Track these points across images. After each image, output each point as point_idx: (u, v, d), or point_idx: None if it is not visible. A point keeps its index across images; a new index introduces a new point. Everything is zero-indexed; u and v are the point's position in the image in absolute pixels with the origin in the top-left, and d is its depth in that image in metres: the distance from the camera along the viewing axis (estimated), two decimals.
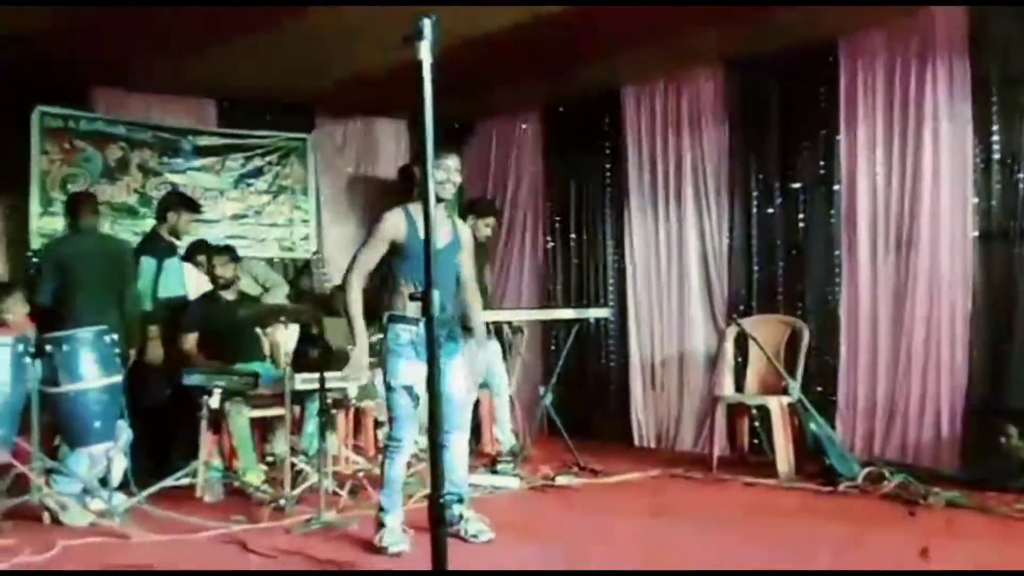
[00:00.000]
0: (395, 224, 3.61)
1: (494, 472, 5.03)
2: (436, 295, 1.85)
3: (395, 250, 3.62)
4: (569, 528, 4.05)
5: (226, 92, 6.60)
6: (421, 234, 3.33)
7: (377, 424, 5.31)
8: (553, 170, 7.05)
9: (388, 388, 3.59)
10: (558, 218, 6.97)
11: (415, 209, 3.60)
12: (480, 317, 3.94)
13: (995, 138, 4.95)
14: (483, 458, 5.43)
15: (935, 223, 5.10)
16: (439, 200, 3.58)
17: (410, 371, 3.51)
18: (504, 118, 7.29)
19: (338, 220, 7.27)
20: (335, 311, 6.33)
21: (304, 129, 7.11)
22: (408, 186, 4.46)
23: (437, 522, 1.79)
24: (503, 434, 5.66)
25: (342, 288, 3.75)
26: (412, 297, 3.25)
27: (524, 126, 7.20)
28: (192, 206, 5.58)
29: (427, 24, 1.83)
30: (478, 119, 7.43)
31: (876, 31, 5.29)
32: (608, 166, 6.68)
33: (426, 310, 1.83)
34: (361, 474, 4.68)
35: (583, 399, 5.67)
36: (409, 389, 3.53)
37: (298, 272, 6.81)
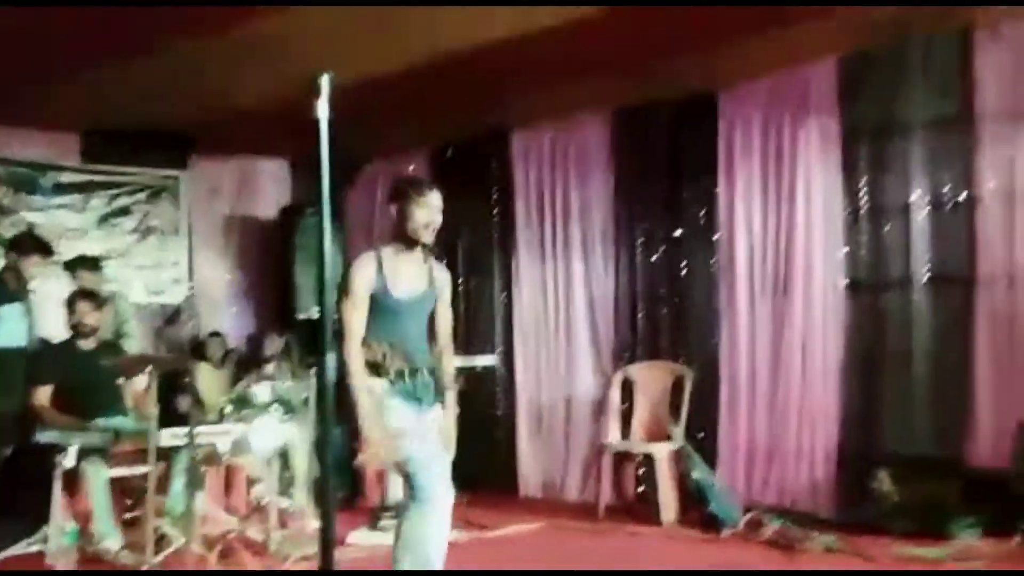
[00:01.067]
0: (367, 275, 3.08)
1: (376, 528, 4.83)
2: (331, 359, 1.70)
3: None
4: None
5: (91, 124, 6.21)
6: (391, 285, 3.07)
7: (250, 482, 5.02)
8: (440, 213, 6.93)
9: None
10: (445, 261, 6.85)
11: (386, 255, 3.13)
12: (450, 374, 3.32)
13: (863, 189, 5.19)
14: (363, 514, 5.21)
15: (808, 272, 5.28)
16: (416, 244, 3.15)
17: (405, 415, 3.04)
18: (391, 160, 7.17)
19: (212, 263, 6.95)
20: (206, 357, 6.04)
21: (177, 166, 6.78)
22: (288, 231, 4.04)
23: None
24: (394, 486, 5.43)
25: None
26: (373, 364, 2.94)
27: (411, 167, 7.09)
28: (42, 248, 5.15)
29: (324, 80, 1.71)
30: (365, 160, 7.28)
31: (754, 85, 5.48)
32: (496, 210, 6.65)
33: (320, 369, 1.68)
34: (232, 535, 4.39)
35: (469, 448, 5.51)
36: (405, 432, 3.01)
37: (167, 319, 6.45)
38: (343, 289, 3.06)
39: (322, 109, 1.73)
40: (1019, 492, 4.32)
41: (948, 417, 4.84)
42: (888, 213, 5.10)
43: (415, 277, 3.16)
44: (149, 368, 4.47)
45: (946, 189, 4.91)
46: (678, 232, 5.84)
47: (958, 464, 4.73)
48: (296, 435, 4.86)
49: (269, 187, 7.30)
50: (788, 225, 5.36)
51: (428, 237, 3.14)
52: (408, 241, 3.14)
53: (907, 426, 4.98)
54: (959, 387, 4.81)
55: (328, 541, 1.70)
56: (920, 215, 4.99)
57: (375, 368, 3.04)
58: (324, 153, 1.74)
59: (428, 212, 3.11)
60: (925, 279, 4.98)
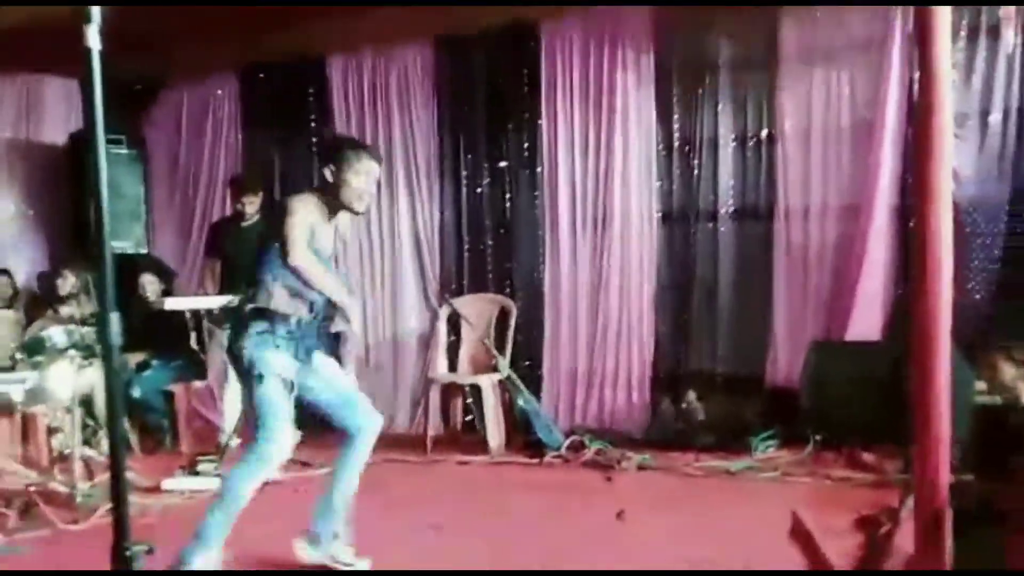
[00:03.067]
0: (311, 210, 2.94)
1: (194, 473, 4.62)
2: (115, 318, 1.55)
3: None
4: (286, 527, 3.81)
5: None
6: (317, 235, 2.94)
7: (50, 431, 4.64)
8: (254, 142, 6.58)
9: (259, 379, 2.90)
10: (260, 194, 6.52)
11: (312, 203, 2.97)
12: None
13: (676, 125, 5.41)
14: (180, 458, 4.97)
15: (625, 204, 5.48)
16: (342, 210, 3.01)
17: (286, 363, 2.93)
18: (196, 82, 6.67)
19: None
20: None
21: None
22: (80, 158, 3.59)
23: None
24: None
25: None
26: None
27: (220, 92, 6.63)
28: None
29: (95, 8, 1.50)
30: (164, 82, 6.73)
31: (573, 17, 5.52)
32: (314, 140, 6.36)
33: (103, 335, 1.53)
34: (33, 489, 4.06)
35: None
36: (286, 382, 2.93)
37: None
38: (289, 212, 2.88)
39: (93, 38, 1.53)
40: (809, 406, 4.75)
41: (750, 340, 5.26)
42: (698, 149, 5.36)
43: (333, 236, 3.10)
44: None
45: (749, 127, 5.23)
46: (502, 164, 5.86)
47: (758, 383, 5.15)
48: (99, 380, 4.52)
49: (57, 109, 6.61)
50: (607, 159, 5.51)
51: (361, 208, 3.02)
52: (336, 206, 3.00)
53: (713, 349, 5.37)
54: (760, 312, 5.22)
55: (120, 492, 1.59)
56: (726, 151, 5.29)
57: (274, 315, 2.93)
58: (96, 86, 1.55)
59: (366, 180, 2.98)
60: (730, 211, 5.31)
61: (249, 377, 2.94)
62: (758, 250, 5.25)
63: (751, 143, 5.26)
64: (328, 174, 2.97)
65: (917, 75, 2.36)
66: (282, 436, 2.96)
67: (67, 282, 5.75)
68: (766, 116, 5.19)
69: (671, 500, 4.03)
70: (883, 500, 3.56)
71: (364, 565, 3.16)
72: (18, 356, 4.53)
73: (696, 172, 5.38)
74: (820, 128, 5.04)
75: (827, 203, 5.05)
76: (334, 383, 3.17)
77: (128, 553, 1.51)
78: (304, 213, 2.90)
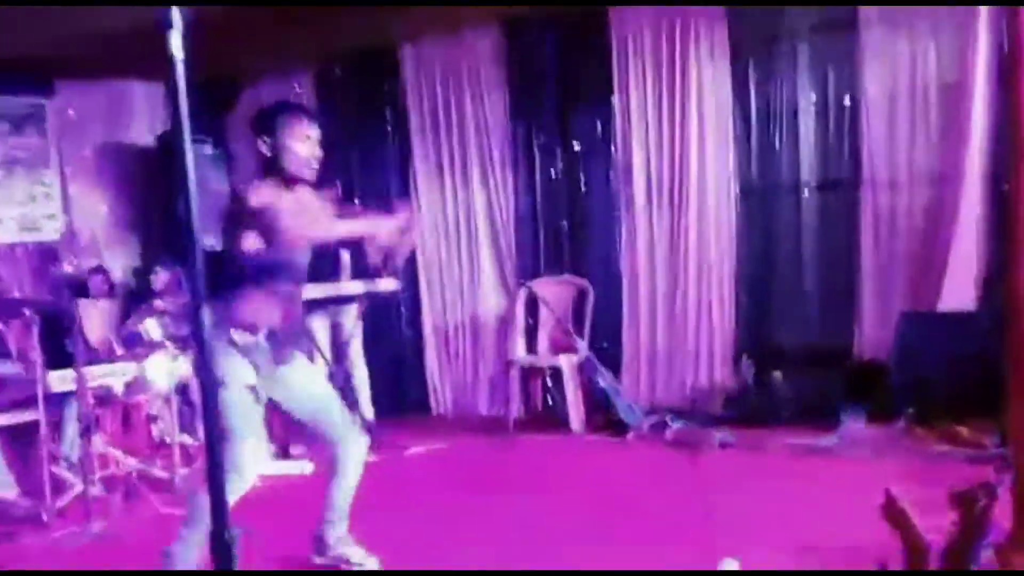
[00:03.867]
0: (276, 192, 2.68)
1: (286, 457, 4.77)
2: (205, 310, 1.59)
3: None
4: (373, 508, 3.91)
5: None
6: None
7: (150, 419, 4.86)
8: (331, 136, 6.67)
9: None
10: (340, 187, 6.65)
11: (274, 190, 2.71)
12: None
13: (752, 99, 5.29)
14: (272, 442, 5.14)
15: (701, 180, 5.39)
16: (297, 183, 2.73)
17: (246, 373, 2.68)
18: (274, 80, 6.83)
19: (89, 194, 6.55)
20: (89, 294, 5.75)
21: (41, 94, 6.29)
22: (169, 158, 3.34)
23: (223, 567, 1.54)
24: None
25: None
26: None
27: (298, 88, 6.78)
28: None
29: (175, 12, 1.52)
30: (244, 82, 6.92)
31: None
32: (390, 131, 6.45)
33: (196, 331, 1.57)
34: (134, 475, 4.27)
35: (378, 372, 5.53)
36: (252, 388, 2.69)
37: (45, 256, 6.07)
38: (253, 210, 2.62)
39: (175, 44, 1.55)
40: (901, 379, 4.61)
41: (836, 313, 5.12)
42: (777, 120, 5.23)
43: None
44: (28, 311, 4.22)
45: (831, 94, 5.07)
46: (576, 145, 5.84)
47: (845, 357, 5.02)
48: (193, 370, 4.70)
49: (144, 112, 6.87)
50: (682, 135, 5.43)
51: (311, 176, 2.74)
52: (287, 180, 2.71)
53: (798, 323, 5.26)
54: (846, 284, 5.08)
55: (217, 478, 1.61)
56: (807, 121, 5.15)
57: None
58: (181, 92, 1.57)
59: (310, 145, 2.73)
60: (812, 182, 5.17)
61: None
62: (843, 221, 5.11)
63: (833, 111, 5.11)
64: (264, 147, 2.70)
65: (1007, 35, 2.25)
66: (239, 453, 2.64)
67: (159, 278, 5.98)
68: (848, 83, 5.03)
69: (756, 478, 3.97)
70: (979, 475, 3.43)
71: (373, 564, 3.00)
72: (117, 350, 4.75)
73: (776, 144, 5.25)
74: (906, 93, 4.85)
75: (915, 170, 4.86)
76: (302, 398, 2.89)
77: (226, 537, 1.56)
78: (272, 196, 2.64)
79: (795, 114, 5.17)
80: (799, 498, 3.59)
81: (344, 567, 2.98)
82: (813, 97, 5.14)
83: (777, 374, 5.08)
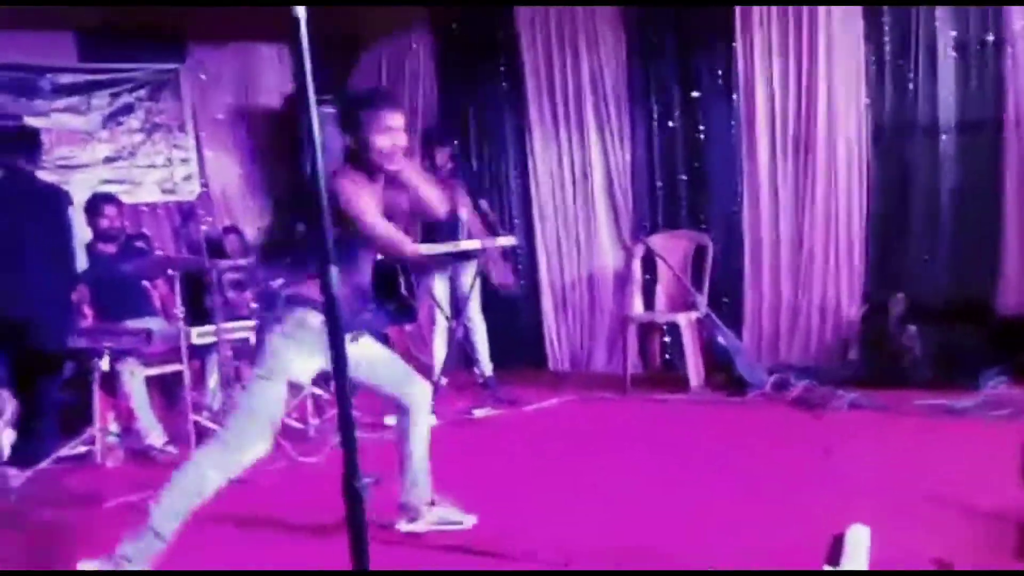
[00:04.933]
0: (354, 182, 2.72)
1: (382, 427, 4.92)
2: (334, 272, 1.65)
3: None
4: (493, 465, 4.01)
5: (85, 23, 6.02)
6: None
7: None
8: (449, 93, 6.77)
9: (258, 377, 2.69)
10: (456, 142, 6.72)
11: (345, 175, 2.73)
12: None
13: (886, 38, 4.97)
14: None
15: (831, 125, 5.15)
16: (381, 173, 2.75)
17: (300, 364, 2.70)
18: (393, 37, 6.93)
19: (222, 156, 6.86)
20: (225, 254, 6.05)
21: (175, 60, 6.60)
22: (295, 120, 3.28)
23: (355, 515, 1.62)
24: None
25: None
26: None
27: (415, 45, 6.86)
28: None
29: None
30: (364, 38, 7.04)
31: None
32: (505, 86, 6.44)
33: (326, 291, 1.63)
34: None
35: (495, 328, 5.62)
36: (294, 385, 2.72)
37: (183, 215, 6.42)
38: (346, 200, 2.62)
39: (299, 8, 1.60)
40: None
41: (976, 266, 4.82)
42: (913, 60, 4.91)
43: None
44: (170, 269, 4.49)
45: (971, 32, 4.71)
46: (695, 94, 5.66)
47: (986, 313, 4.72)
48: None
49: (271, 74, 7.10)
50: (808, 79, 5.19)
51: (395, 167, 2.73)
52: (371, 170, 2.75)
53: (934, 277, 4.97)
54: (987, 235, 4.77)
55: (348, 430, 1.67)
56: (946, 61, 4.81)
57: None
58: (305, 54, 1.61)
59: (390, 137, 2.70)
60: (952, 124, 4.85)
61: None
62: (985, 166, 4.77)
63: (974, 49, 4.75)
64: (352, 142, 2.73)
65: None
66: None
67: (295, 234, 6.19)
68: (990, 18, 4.65)
69: (887, 441, 3.81)
70: None
71: (470, 522, 3.00)
72: (254, 305, 5.00)
73: (912, 85, 4.93)
74: None
75: None
76: (376, 368, 2.90)
77: (358, 485, 1.64)
78: (352, 187, 2.66)
79: (932, 53, 4.83)
80: (933, 462, 3.43)
81: (441, 528, 2.97)
82: (953, 34, 4.78)
83: (912, 329, 4.82)
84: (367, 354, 2.89)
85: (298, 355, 2.69)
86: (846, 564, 2.40)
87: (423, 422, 3.00)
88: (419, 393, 2.99)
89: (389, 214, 2.82)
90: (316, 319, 2.63)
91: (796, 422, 4.27)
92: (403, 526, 3.00)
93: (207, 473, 2.63)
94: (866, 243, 5.13)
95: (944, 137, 4.88)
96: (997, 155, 4.69)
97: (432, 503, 3.01)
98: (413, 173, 2.86)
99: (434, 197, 2.89)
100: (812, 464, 3.49)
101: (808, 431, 4.08)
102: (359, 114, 2.74)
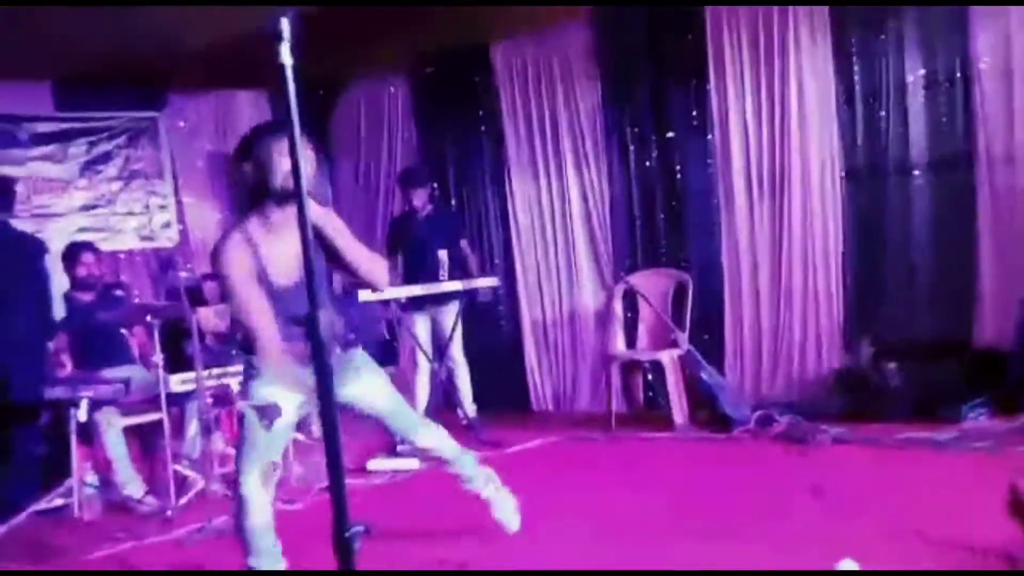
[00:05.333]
0: (239, 259, 2.62)
1: (395, 455, 4.88)
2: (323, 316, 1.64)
3: None
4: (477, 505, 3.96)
5: (62, 72, 6.03)
6: (271, 271, 2.63)
7: None
8: (427, 135, 6.82)
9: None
10: (435, 185, 6.76)
11: (255, 231, 2.66)
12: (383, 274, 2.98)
13: (856, 77, 5.08)
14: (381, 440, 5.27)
15: (804, 164, 5.23)
16: (288, 199, 2.58)
17: (272, 391, 2.72)
18: (370, 82, 6.99)
19: (201, 203, 6.85)
20: (204, 300, 6.00)
21: (153, 107, 6.62)
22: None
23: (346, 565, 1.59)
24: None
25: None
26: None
27: (393, 88, 6.92)
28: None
29: (284, 23, 1.57)
30: (342, 85, 7.09)
31: None
32: (483, 128, 6.51)
33: (313, 335, 1.62)
34: None
35: (478, 369, 5.60)
36: (265, 409, 2.71)
37: (162, 263, 6.38)
38: (220, 278, 2.66)
39: (285, 54, 1.61)
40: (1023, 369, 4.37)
41: (953, 300, 4.88)
42: (883, 98, 5.01)
43: (294, 251, 2.42)
44: (149, 317, 4.45)
45: (940, 69, 4.82)
46: (671, 134, 5.74)
47: (963, 346, 4.77)
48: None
49: (250, 121, 7.12)
50: (782, 118, 5.27)
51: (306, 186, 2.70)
52: (279, 198, 2.62)
53: (911, 312, 5.02)
54: (962, 269, 4.83)
55: (337, 475, 1.65)
56: (916, 98, 4.92)
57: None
58: (292, 99, 1.62)
59: (311, 164, 2.63)
60: (924, 161, 4.93)
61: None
62: (958, 202, 4.83)
63: (943, 86, 4.85)
64: (249, 169, 2.63)
65: None
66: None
67: None
68: (959, 54, 4.76)
69: (873, 475, 3.82)
70: None
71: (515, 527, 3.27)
72: (233, 352, 4.95)
73: (883, 123, 5.02)
74: (1022, 62, 4.57)
75: None
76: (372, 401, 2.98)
77: (348, 534, 1.61)
78: (233, 271, 2.60)
79: (903, 90, 4.94)
80: (919, 494, 3.44)
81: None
82: (922, 72, 4.89)
83: (891, 365, 4.87)
84: (363, 391, 2.92)
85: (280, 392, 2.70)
86: None
87: (464, 462, 3.25)
88: (438, 441, 3.18)
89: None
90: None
91: (782, 458, 4.28)
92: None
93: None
94: (843, 279, 5.18)
95: (917, 174, 4.96)
96: (970, 190, 4.77)
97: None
98: (352, 246, 2.76)
99: (377, 271, 2.83)
100: (800, 499, 3.48)
101: (794, 466, 4.08)
102: (262, 136, 2.66)
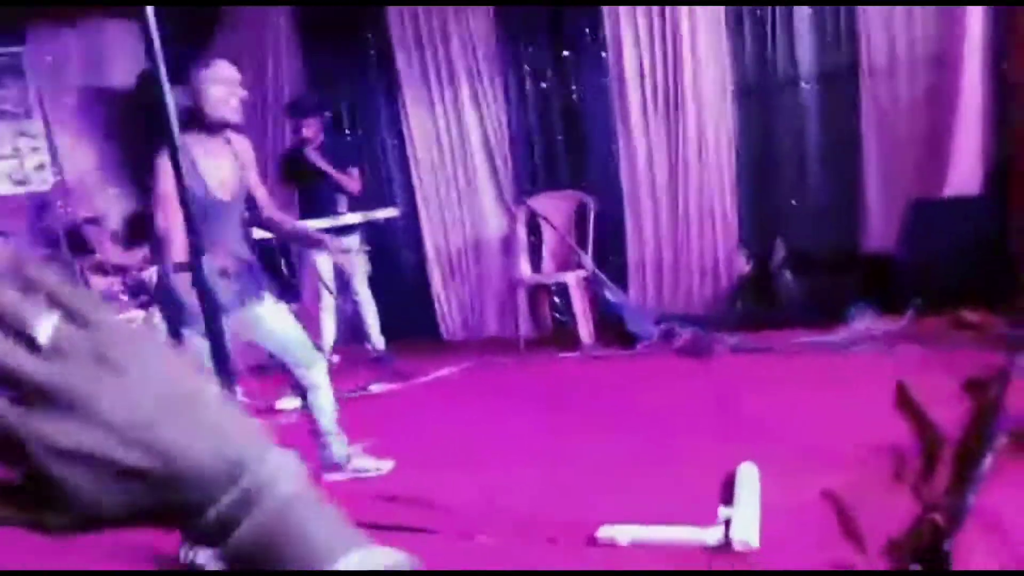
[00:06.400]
0: (167, 172, 2.63)
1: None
2: (205, 260, 1.57)
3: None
4: (396, 437, 3.97)
5: None
6: (210, 185, 2.78)
7: None
8: (316, 64, 6.55)
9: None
10: (327, 114, 6.51)
11: (194, 149, 2.78)
12: (298, 227, 3.55)
13: None
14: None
15: (697, 82, 5.28)
16: (222, 127, 2.84)
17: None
18: (253, 16, 6.62)
19: (77, 142, 6.44)
20: (86, 248, 5.71)
21: (15, 43, 6.12)
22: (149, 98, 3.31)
23: None
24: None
25: None
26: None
27: (277, 18, 6.57)
28: None
29: None
30: (223, 14, 6.70)
31: None
32: (374, 54, 6.28)
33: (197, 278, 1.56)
34: None
35: (384, 301, 5.53)
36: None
37: (38, 209, 6.01)
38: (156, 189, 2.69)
39: None
40: (908, 269, 4.60)
41: (841, 208, 5.08)
42: (770, 13, 5.08)
43: (229, 170, 2.87)
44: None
45: None
46: (566, 53, 5.69)
47: (852, 251, 4.99)
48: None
49: (122, 52, 6.68)
50: (674, 37, 5.28)
51: (233, 115, 2.82)
52: (212, 126, 2.84)
53: (803, 221, 5.22)
54: (850, 178, 5.02)
55: None
56: (801, 12, 5.00)
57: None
58: (154, 35, 1.52)
59: (226, 87, 2.81)
60: (812, 75, 5.06)
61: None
62: (843, 113, 5.01)
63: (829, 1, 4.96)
64: (188, 98, 2.81)
65: None
66: None
67: None
68: None
69: (771, 380, 3.99)
70: (990, 360, 3.45)
71: (389, 465, 3.32)
72: (122, 298, 4.75)
73: (771, 39, 5.12)
74: None
75: (914, 56, 4.75)
76: (269, 336, 3.06)
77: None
78: (164, 182, 2.65)
79: (788, 7, 5.02)
80: (812, 397, 3.61)
81: (363, 476, 3.24)
82: None
83: (787, 274, 5.06)
84: (265, 317, 3.00)
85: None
86: (739, 502, 2.50)
87: (324, 397, 3.18)
88: (316, 374, 3.13)
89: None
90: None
91: (684, 369, 4.42)
92: (328, 477, 3.22)
93: None
94: (738, 193, 5.32)
95: (804, 86, 5.09)
96: (854, 102, 4.93)
97: (348, 456, 3.27)
98: (256, 181, 3.06)
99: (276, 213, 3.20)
100: (702, 409, 3.62)
101: (696, 377, 4.22)
102: (194, 68, 2.85)
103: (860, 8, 4.80)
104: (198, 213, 2.52)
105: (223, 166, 2.87)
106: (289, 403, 4.72)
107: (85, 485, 0.42)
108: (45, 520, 0.43)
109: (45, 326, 0.42)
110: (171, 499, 0.43)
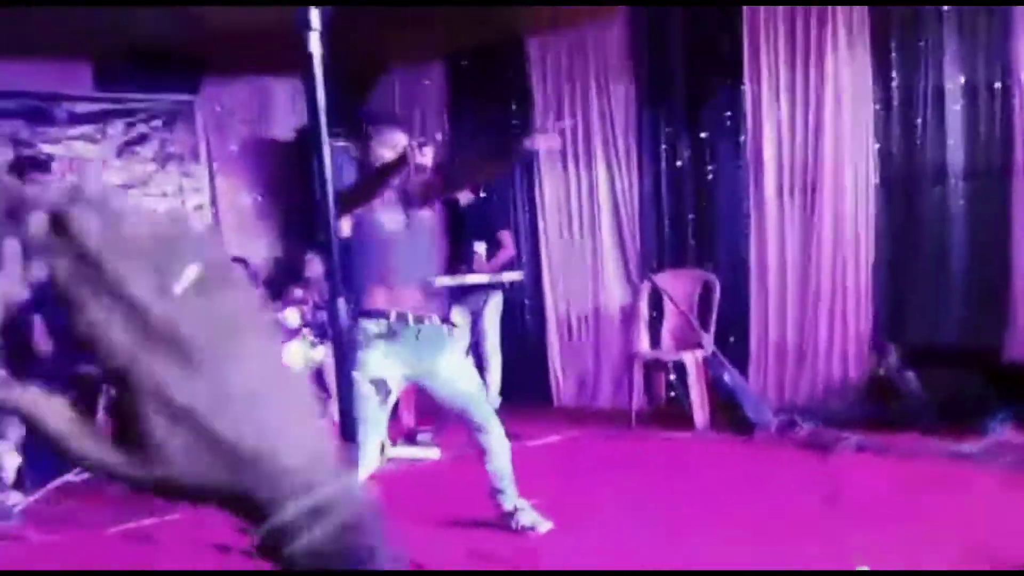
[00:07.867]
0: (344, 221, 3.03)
1: (412, 443, 4.92)
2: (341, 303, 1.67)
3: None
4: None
5: (102, 51, 6.10)
6: (377, 217, 3.03)
7: None
8: (459, 127, 6.84)
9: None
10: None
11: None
12: None
13: (894, 84, 5.02)
14: (400, 427, 5.31)
15: (838, 169, 5.18)
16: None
17: (380, 364, 2.97)
18: (405, 73, 7.01)
19: (234, 188, 6.92)
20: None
21: (189, 91, 6.68)
22: (303, 153, 3.77)
23: None
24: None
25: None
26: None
27: (427, 81, 6.94)
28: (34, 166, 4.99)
29: (314, 13, 1.58)
30: (376, 75, 7.12)
31: None
32: (516, 122, 6.50)
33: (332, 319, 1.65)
34: None
35: (502, 362, 5.62)
36: (379, 383, 2.94)
37: None
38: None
39: (314, 43, 1.61)
40: None
41: (983, 310, 4.82)
42: (921, 105, 4.95)
43: (394, 209, 3.08)
44: None
45: (980, 77, 4.76)
46: (703, 134, 5.71)
47: (994, 357, 4.71)
48: (330, 358, 4.91)
49: (285, 107, 7.18)
50: (816, 123, 5.23)
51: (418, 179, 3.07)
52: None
53: (941, 322, 4.97)
54: (995, 280, 4.77)
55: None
56: (954, 106, 4.86)
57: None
58: (319, 91, 1.63)
59: (394, 152, 3.02)
60: (960, 171, 4.87)
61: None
62: (993, 212, 4.79)
63: (983, 94, 4.79)
64: (358, 152, 3.20)
65: None
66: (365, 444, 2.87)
67: (312, 264, 6.06)
68: (999, 63, 4.70)
69: (894, 484, 3.78)
70: None
71: (547, 527, 3.30)
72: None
73: (920, 131, 4.97)
74: None
75: None
76: (452, 384, 3.20)
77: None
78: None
79: (941, 98, 4.88)
80: (941, 507, 3.41)
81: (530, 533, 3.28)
82: (961, 80, 4.83)
83: (910, 374, 4.80)
84: (449, 369, 3.14)
85: (371, 353, 2.94)
86: None
87: (501, 439, 3.34)
88: (493, 420, 3.32)
89: None
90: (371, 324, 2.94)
91: (803, 464, 4.24)
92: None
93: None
94: (873, 286, 5.13)
95: (953, 183, 4.91)
96: (1006, 202, 4.72)
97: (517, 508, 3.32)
98: None
99: None
100: (818, 507, 3.46)
101: (815, 473, 4.05)
102: (366, 129, 3.20)
103: (1017, 104, 4.62)
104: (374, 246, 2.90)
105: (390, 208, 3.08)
106: (401, 451, 4.84)
107: (180, 447, 0.43)
108: (131, 474, 0.44)
109: (188, 273, 0.45)
110: (246, 484, 0.44)
